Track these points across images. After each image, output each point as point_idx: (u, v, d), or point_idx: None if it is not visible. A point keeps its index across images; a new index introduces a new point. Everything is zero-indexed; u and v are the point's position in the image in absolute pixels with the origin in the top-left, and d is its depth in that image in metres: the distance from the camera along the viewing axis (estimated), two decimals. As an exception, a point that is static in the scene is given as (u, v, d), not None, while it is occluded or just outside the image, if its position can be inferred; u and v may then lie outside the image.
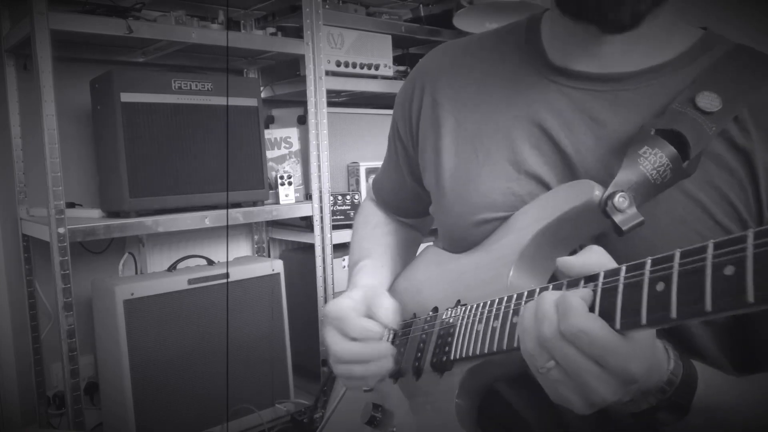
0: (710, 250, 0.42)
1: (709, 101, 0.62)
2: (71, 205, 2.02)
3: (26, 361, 2.13)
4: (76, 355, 1.72)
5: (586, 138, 0.68)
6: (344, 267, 2.35)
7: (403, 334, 0.77)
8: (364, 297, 0.75)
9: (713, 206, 0.63)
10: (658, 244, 0.61)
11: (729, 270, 0.40)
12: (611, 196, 0.58)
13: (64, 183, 1.70)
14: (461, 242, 0.76)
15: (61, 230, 1.69)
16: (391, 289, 0.87)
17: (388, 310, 0.72)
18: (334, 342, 0.72)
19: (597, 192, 0.59)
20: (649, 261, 0.47)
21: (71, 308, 1.71)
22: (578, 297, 0.50)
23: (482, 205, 0.72)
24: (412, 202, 0.94)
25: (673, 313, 0.43)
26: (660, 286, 0.45)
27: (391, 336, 0.76)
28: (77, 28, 1.73)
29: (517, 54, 0.76)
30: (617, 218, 0.58)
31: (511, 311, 0.59)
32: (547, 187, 0.69)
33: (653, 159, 0.60)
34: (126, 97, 1.81)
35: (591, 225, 0.62)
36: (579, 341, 0.48)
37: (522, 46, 0.76)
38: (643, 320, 0.45)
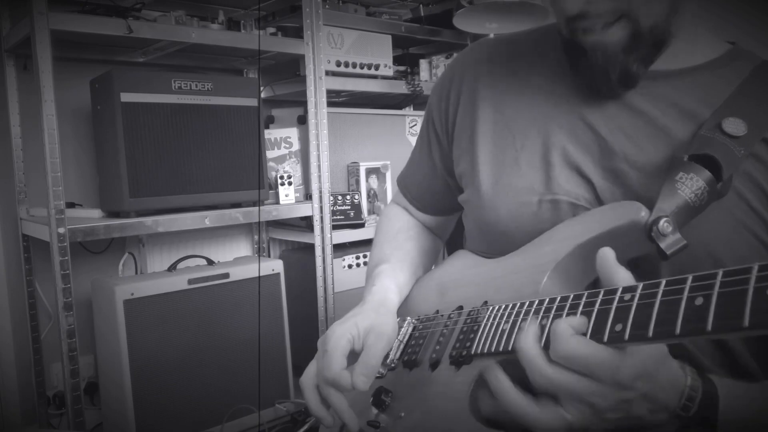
0: (719, 277, 0.46)
1: (735, 127, 0.65)
2: (71, 205, 2.03)
3: (26, 361, 2.13)
4: (76, 355, 1.72)
5: (624, 123, 0.70)
6: (344, 267, 2.35)
7: (424, 327, 0.77)
8: (369, 329, 0.75)
9: (744, 217, 0.66)
10: (700, 252, 0.65)
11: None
12: (656, 221, 0.60)
13: (64, 183, 1.70)
14: (495, 228, 0.76)
15: (61, 230, 1.69)
16: (416, 286, 0.88)
17: (368, 370, 0.70)
18: (308, 375, 0.75)
19: (643, 213, 0.61)
20: (663, 281, 0.50)
21: (71, 308, 1.71)
22: (565, 323, 0.53)
23: (520, 188, 0.74)
24: (441, 196, 0.94)
25: (678, 330, 0.46)
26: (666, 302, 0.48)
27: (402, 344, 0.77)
28: (77, 28, 1.73)
29: (559, 52, 0.77)
30: (662, 243, 0.60)
31: (542, 314, 0.59)
32: (584, 177, 0.71)
33: (690, 183, 0.62)
34: (126, 97, 1.81)
35: (632, 246, 0.63)
36: (571, 363, 0.52)
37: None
38: (650, 333, 0.48)
